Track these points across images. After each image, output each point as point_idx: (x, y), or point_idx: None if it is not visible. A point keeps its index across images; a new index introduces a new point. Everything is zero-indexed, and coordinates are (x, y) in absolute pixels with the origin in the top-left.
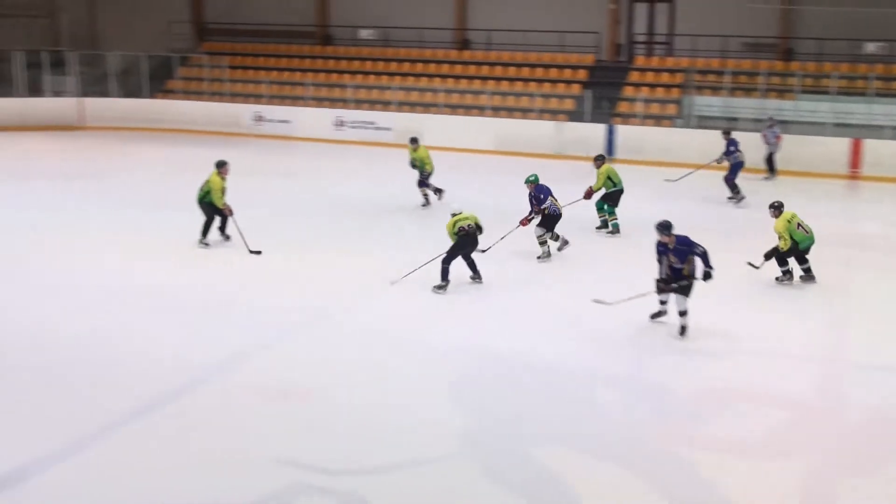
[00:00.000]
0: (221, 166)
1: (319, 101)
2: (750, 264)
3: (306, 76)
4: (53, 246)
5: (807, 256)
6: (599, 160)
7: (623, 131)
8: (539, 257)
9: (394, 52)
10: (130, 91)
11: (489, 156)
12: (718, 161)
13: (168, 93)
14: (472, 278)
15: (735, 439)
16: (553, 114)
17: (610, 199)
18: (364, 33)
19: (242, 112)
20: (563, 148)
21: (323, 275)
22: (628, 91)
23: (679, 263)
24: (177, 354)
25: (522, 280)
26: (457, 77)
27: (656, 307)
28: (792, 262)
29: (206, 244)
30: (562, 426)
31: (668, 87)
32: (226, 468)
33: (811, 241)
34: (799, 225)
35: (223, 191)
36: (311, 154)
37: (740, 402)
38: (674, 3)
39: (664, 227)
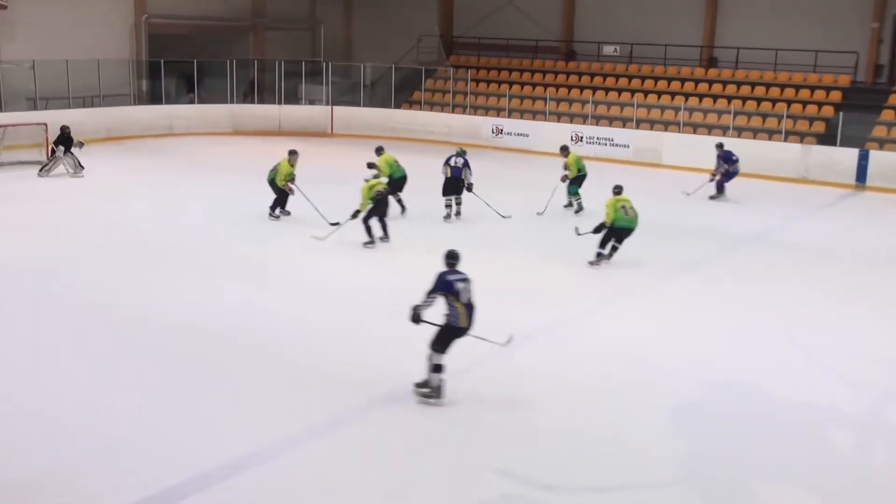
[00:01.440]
0: (292, 154)
1: (558, 116)
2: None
3: (547, 91)
4: (299, 244)
5: (622, 241)
6: (564, 150)
7: (878, 158)
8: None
9: (637, 69)
10: (378, 101)
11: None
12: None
13: (413, 104)
14: (381, 238)
15: None
16: (801, 136)
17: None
18: (608, 49)
19: (483, 124)
20: (808, 172)
21: (549, 288)
22: (887, 115)
23: None
24: (400, 359)
25: (748, 302)
26: (700, 95)
27: None
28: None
29: (276, 217)
30: (789, 464)
31: None
32: (434, 475)
33: (631, 225)
34: (623, 207)
35: (288, 175)
36: (548, 167)
37: None
38: None
39: None
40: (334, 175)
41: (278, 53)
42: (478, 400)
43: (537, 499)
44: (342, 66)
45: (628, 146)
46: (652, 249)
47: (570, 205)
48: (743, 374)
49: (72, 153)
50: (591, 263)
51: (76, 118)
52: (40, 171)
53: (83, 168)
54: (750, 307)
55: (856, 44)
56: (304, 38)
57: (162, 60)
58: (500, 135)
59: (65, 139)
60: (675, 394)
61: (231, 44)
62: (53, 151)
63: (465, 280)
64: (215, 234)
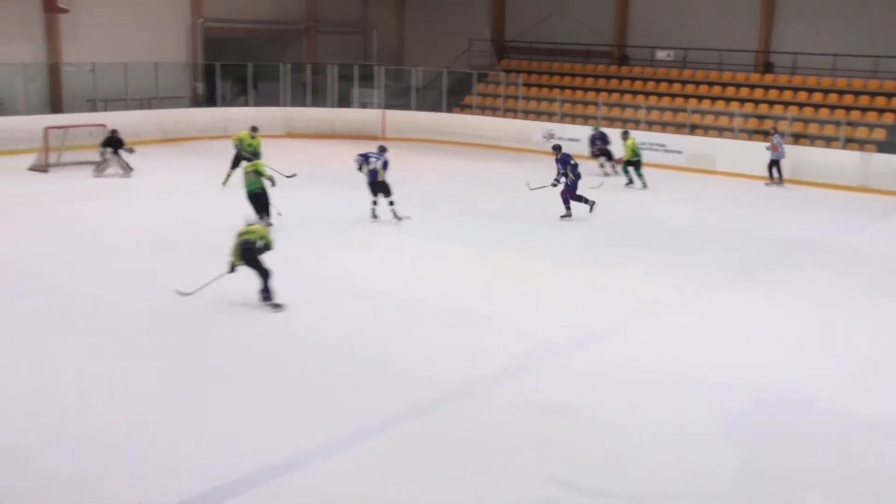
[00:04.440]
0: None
1: (611, 122)
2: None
3: (599, 96)
4: (339, 247)
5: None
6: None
7: None
8: None
9: (691, 74)
10: (429, 105)
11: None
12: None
13: (464, 108)
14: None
15: None
16: (860, 143)
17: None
18: (661, 54)
19: (533, 129)
20: (867, 180)
21: (602, 294)
22: None
23: None
24: (446, 362)
25: (803, 313)
26: (756, 101)
27: None
28: None
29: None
30: (839, 479)
31: None
32: (477, 480)
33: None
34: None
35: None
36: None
37: None
38: None
39: None
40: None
41: (331, 57)
42: (524, 406)
43: None
44: (394, 69)
45: (681, 152)
46: (707, 257)
47: (630, 182)
48: (795, 386)
49: (120, 155)
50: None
51: (134, 120)
52: (94, 171)
53: (132, 169)
54: (805, 318)
55: None
56: (356, 41)
57: (217, 63)
58: (551, 140)
59: (113, 141)
60: (725, 406)
61: (285, 47)
62: (102, 153)
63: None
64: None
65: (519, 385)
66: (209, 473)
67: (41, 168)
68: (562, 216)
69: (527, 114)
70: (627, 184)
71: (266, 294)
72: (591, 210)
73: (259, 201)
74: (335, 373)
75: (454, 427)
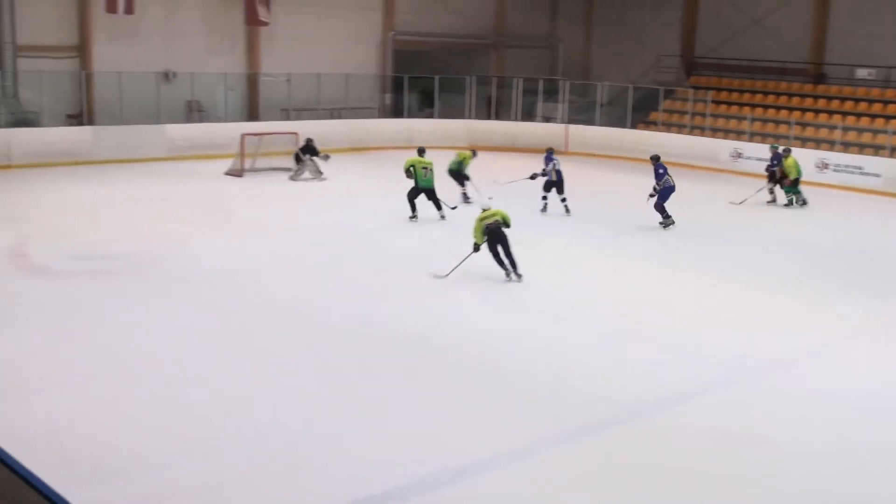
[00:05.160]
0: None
1: (803, 142)
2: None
3: (792, 115)
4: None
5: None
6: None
7: None
8: None
9: (894, 94)
10: (613, 121)
11: None
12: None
13: (650, 124)
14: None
15: None
16: None
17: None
18: (862, 72)
19: (721, 147)
20: None
21: (785, 321)
22: None
23: None
24: (631, 380)
25: None
26: None
27: None
28: None
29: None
30: None
31: None
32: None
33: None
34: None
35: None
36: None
37: None
38: None
39: None
40: (569, 192)
41: (517, 71)
42: (711, 431)
43: None
44: (579, 84)
45: (879, 175)
46: None
47: (790, 203)
48: None
49: (313, 161)
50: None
51: (324, 129)
52: (291, 176)
53: (322, 174)
54: None
55: None
56: (543, 56)
57: (405, 76)
58: (738, 159)
59: (311, 149)
60: None
61: (471, 60)
62: (299, 158)
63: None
64: (446, 244)
65: (707, 410)
66: (368, 478)
67: (237, 173)
68: (660, 222)
69: (714, 132)
70: (787, 204)
71: (511, 264)
72: (665, 226)
73: (434, 196)
74: (521, 385)
75: (635, 449)
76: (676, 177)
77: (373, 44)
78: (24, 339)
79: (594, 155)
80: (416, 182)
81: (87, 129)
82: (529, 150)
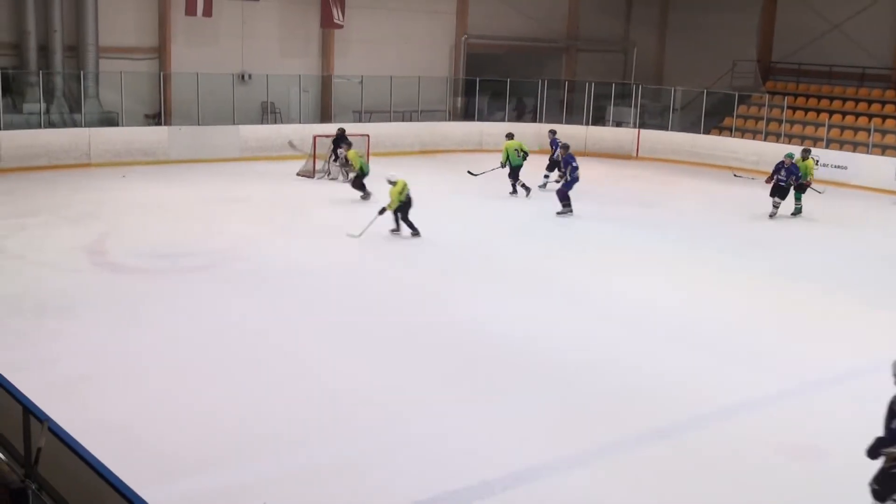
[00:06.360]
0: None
1: (882, 149)
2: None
3: (872, 122)
4: (593, 263)
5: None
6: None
7: None
8: None
9: None
10: (686, 126)
11: None
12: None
13: (723, 130)
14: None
15: None
16: None
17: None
18: None
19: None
20: None
21: (860, 330)
22: None
23: None
24: (693, 388)
25: None
26: None
27: None
28: None
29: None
30: None
31: None
32: None
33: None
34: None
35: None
36: (866, 203)
37: None
38: None
39: None
40: (640, 198)
41: (589, 75)
42: (765, 442)
43: None
44: (652, 89)
45: None
46: None
47: (799, 211)
48: None
49: (339, 156)
50: None
51: (395, 131)
52: (348, 180)
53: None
54: None
55: None
56: (615, 60)
57: (477, 79)
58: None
59: (344, 139)
60: None
61: (543, 64)
62: (335, 153)
63: None
64: (513, 245)
65: (762, 421)
66: (434, 478)
67: (308, 174)
68: (558, 213)
69: (790, 138)
70: (793, 213)
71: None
72: (563, 212)
73: (516, 175)
74: (587, 388)
75: (689, 460)
76: (749, 184)
77: (445, 47)
78: (98, 333)
79: (666, 160)
80: (510, 163)
81: (163, 128)
82: (600, 154)
